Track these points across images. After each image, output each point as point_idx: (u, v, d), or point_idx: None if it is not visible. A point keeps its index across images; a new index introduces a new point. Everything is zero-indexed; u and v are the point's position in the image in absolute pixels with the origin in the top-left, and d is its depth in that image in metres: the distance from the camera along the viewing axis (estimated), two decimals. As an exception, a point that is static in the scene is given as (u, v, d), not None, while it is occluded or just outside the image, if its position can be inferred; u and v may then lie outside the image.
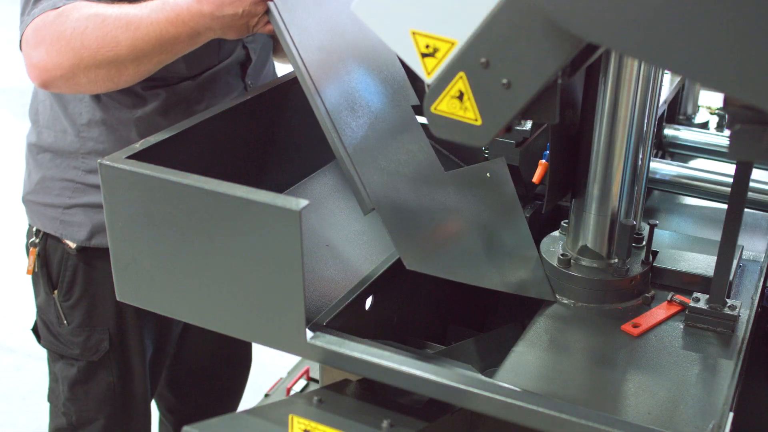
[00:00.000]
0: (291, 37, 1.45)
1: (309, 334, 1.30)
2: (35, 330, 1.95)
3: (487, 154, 1.83)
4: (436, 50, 1.11)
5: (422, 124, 1.60)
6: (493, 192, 1.62)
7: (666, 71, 1.71)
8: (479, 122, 1.12)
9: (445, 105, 1.13)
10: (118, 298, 1.48)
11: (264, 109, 1.70)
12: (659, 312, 1.48)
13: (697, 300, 1.44)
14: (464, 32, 1.08)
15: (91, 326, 1.84)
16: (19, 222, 1.96)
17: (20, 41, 1.55)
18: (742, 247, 1.62)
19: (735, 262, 1.52)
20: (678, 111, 2.38)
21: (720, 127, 2.37)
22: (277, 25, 1.45)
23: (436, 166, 1.62)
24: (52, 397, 2.00)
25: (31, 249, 1.83)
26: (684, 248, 1.63)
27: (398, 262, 1.66)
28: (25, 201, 1.86)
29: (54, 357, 1.93)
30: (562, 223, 1.62)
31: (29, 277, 1.94)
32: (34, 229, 1.84)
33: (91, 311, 1.84)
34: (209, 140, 1.57)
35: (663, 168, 1.95)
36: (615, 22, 0.92)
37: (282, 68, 1.99)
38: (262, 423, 1.31)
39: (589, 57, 1.25)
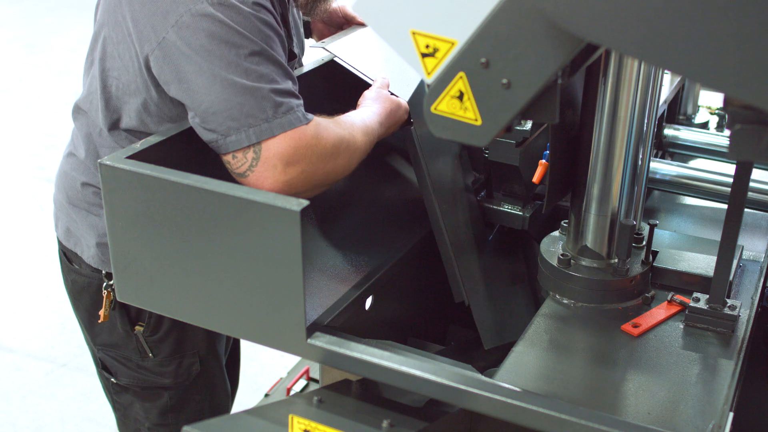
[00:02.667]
0: (425, 159, 1.68)
1: (309, 334, 1.30)
2: (106, 368, 1.88)
3: (487, 154, 1.83)
4: (436, 50, 1.11)
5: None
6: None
7: (666, 71, 1.71)
8: (479, 122, 1.12)
9: (445, 105, 1.13)
10: (118, 298, 1.48)
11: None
12: (659, 312, 1.48)
13: (697, 300, 1.44)
14: (464, 32, 1.08)
15: (181, 353, 1.81)
16: (18, 221, 1.93)
17: (256, 146, 1.41)
18: (742, 247, 1.62)
19: (735, 262, 1.52)
20: (678, 111, 2.39)
21: (720, 127, 2.37)
22: (413, 147, 1.67)
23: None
24: (123, 425, 1.96)
25: (107, 293, 1.72)
26: (684, 248, 1.63)
27: (398, 262, 1.67)
28: (99, 245, 1.74)
29: (120, 388, 1.88)
30: (562, 223, 1.62)
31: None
32: (104, 272, 1.74)
33: (182, 339, 1.80)
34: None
35: (663, 168, 1.95)
36: (615, 22, 0.91)
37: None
38: (262, 423, 1.31)
39: (589, 57, 1.25)
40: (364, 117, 1.58)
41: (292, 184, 1.42)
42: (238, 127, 1.40)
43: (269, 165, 1.41)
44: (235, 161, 1.43)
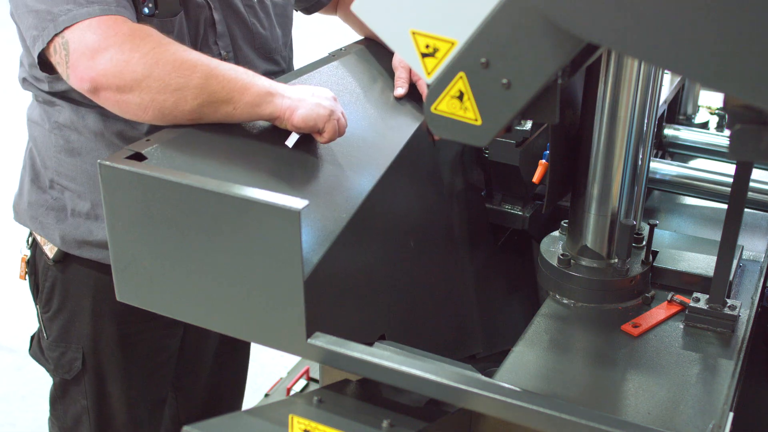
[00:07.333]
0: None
1: (309, 334, 1.30)
2: (32, 337, 1.87)
3: (487, 154, 1.83)
4: (436, 50, 1.11)
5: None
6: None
7: (666, 71, 1.71)
8: (479, 122, 1.12)
9: (445, 105, 1.13)
10: (117, 299, 1.48)
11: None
12: (659, 312, 1.48)
13: (697, 300, 1.44)
14: (464, 32, 1.08)
15: (66, 343, 1.76)
16: (15, 223, 1.92)
17: (62, 39, 1.41)
18: (742, 247, 1.62)
19: (735, 262, 1.52)
20: (678, 111, 2.39)
21: (720, 127, 2.38)
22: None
23: None
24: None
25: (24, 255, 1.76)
26: (684, 248, 1.63)
27: (398, 262, 1.67)
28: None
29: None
30: (562, 223, 1.62)
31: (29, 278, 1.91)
32: (30, 231, 1.78)
33: (67, 327, 1.75)
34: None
35: (663, 168, 1.95)
36: (615, 22, 0.91)
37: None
38: (262, 423, 1.31)
39: (589, 57, 1.25)
40: (256, 88, 1.43)
41: (107, 73, 1.37)
42: (39, 25, 1.42)
43: (78, 54, 1.38)
44: (59, 68, 1.43)
